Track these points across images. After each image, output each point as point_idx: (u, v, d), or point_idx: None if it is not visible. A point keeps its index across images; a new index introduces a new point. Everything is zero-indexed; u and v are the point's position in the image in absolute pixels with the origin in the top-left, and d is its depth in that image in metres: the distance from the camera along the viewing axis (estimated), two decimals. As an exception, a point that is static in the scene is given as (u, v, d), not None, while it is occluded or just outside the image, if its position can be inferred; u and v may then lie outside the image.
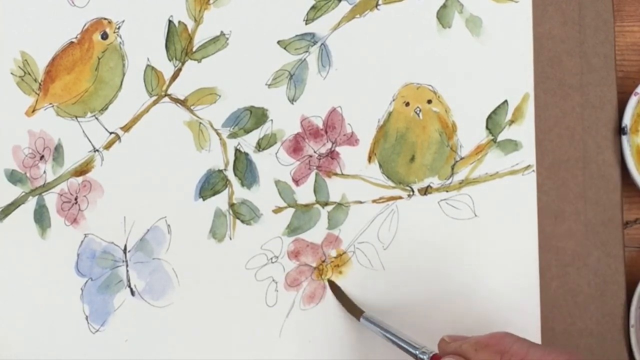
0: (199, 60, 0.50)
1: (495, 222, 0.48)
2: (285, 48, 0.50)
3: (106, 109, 0.51)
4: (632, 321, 0.46)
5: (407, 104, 0.49)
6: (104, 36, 0.51)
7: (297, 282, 0.48)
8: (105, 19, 0.51)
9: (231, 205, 0.49)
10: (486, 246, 0.48)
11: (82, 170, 0.51)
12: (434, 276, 0.48)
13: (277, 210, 0.49)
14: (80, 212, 0.50)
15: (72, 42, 0.51)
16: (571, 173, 0.48)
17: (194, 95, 0.50)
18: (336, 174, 0.49)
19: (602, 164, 0.48)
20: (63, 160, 0.51)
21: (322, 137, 0.49)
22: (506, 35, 0.49)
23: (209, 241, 0.49)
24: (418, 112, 0.49)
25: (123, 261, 0.50)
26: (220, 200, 0.49)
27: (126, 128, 0.51)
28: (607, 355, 0.46)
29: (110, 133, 0.51)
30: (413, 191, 0.49)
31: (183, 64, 0.50)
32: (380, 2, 0.50)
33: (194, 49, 0.50)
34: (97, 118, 0.51)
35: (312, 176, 0.49)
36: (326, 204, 0.49)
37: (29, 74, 0.52)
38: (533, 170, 0.48)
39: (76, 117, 0.51)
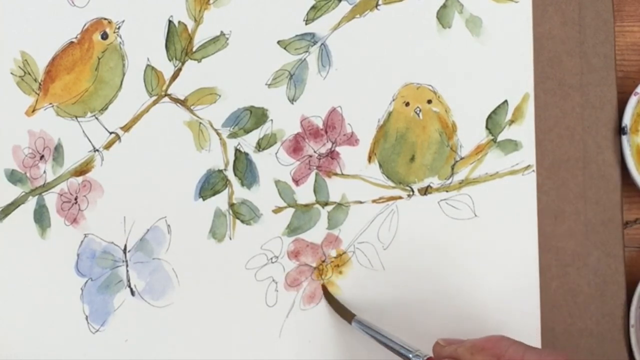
0: (199, 60, 0.50)
1: (495, 222, 0.48)
2: (285, 48, 0.50)
3: (106, 108, 0.51)
4: (632, 321, 0.46)
5: (407, 104, 0.49)
6: (104, 36, 0.51)
7: (297, 282, 0.48)
8: (105, 19, 0.51)
9: (231, 205, 0.49)
10: (486, 246, 0.48)
11: (82, 170, 0.51)
12: (434, 276, 0.47)
13: (277, 210, 0.49)
14: (80, 212, 0.50)
15: (72, 42, 0.51)
16: (571, 173, 0.48)
17: (194, 95, 0.50)
18: (336, 174, 0.49)
19: (602, 164, 0.48)
20: (63, 160, 0.51)
21: (322, 137, 0.49)
22: (506, 35, 0.49)
23: (208, 241, 0.49)
24: (418, 112, 0.49)
25: (123, 261, 0.50)
26: (220, 200, 0.49)
27: (126, 128, 0.51)
28: (607, 355, 0.46)
29: (110, 133, 0.51)
30: (413, 191, 0.48)
31: (183, 64, 0.50)
32: (380, 2, 0.50)
33: (194, 49, 0.50)
34: (97, 118, 0.51)
35: (312, 176, 0.49)
36: (326, 204, 0.49)
37: (29, 73, 0.52)
38: (533, 170, 0.48)
39: (76, 117, 0.51)
